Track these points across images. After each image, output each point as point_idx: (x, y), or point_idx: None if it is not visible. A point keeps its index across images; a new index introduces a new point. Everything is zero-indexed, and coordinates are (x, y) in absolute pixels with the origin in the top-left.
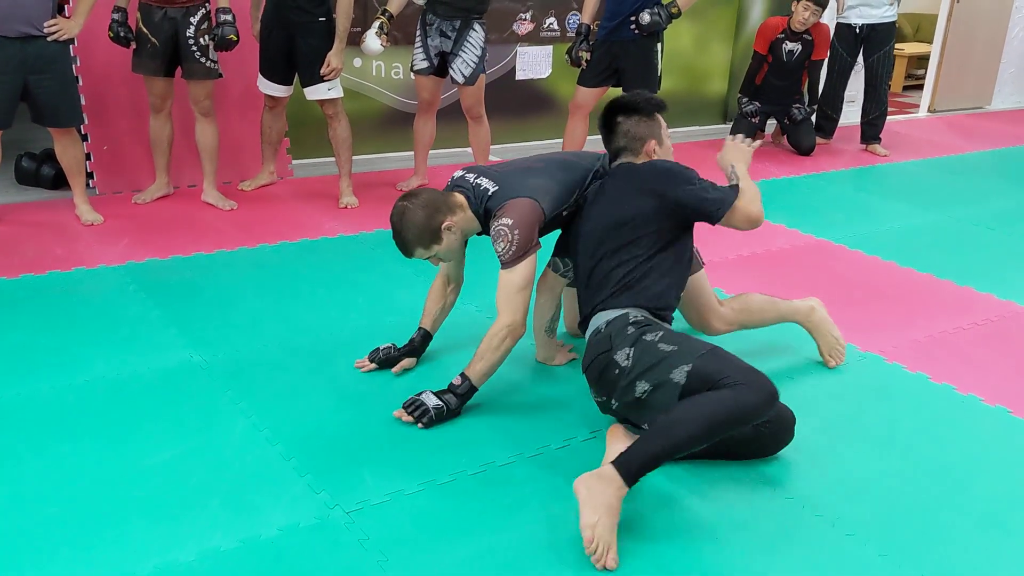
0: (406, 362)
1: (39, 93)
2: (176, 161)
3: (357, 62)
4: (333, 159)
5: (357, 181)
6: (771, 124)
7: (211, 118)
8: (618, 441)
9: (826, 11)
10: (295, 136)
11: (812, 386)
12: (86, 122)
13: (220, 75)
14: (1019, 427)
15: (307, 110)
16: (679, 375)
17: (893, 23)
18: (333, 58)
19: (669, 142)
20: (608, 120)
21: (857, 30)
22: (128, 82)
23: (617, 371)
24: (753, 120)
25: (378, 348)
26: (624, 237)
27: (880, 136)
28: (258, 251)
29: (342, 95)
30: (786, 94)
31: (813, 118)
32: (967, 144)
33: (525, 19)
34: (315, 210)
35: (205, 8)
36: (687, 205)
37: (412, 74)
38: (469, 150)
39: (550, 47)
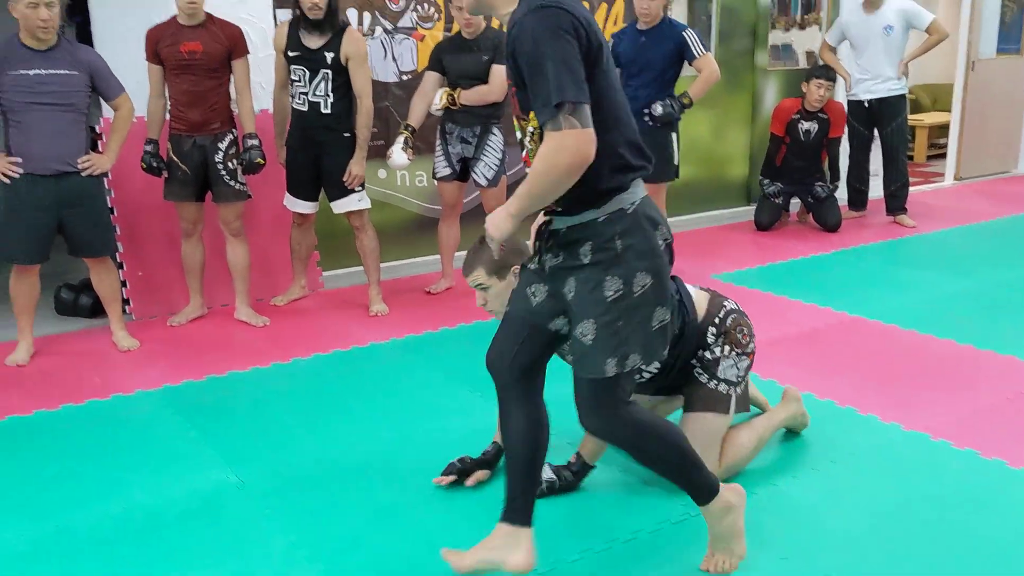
0: (480, 474)
1: (74, 227)
2: (208, 282)
3: (382, 173)
4: (361, 267)
5: (386, 288)
6: (795, 203)
7: (241, 238)
8: None
9: (837, 89)
10: (324, 248)
11: (856, 468)
12: (120, 250)
13: (249, 196)
14: None
15: (334, 222)
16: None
17: (902, 96)
18: (354, 167)
19: None
20: None
21: (867, 104)
22: (160, 209)
23: None
24: (776, 201)
25: (453, 461)
26: None
27: (906, 207)
28: (291, 365)
29: (370, 206)
30: (807, 173)
31: (837, 194)
32: (995, 209)
33: None
34: (346, 320)
35: (232, 134)
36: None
37: (435, 180)
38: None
39: None
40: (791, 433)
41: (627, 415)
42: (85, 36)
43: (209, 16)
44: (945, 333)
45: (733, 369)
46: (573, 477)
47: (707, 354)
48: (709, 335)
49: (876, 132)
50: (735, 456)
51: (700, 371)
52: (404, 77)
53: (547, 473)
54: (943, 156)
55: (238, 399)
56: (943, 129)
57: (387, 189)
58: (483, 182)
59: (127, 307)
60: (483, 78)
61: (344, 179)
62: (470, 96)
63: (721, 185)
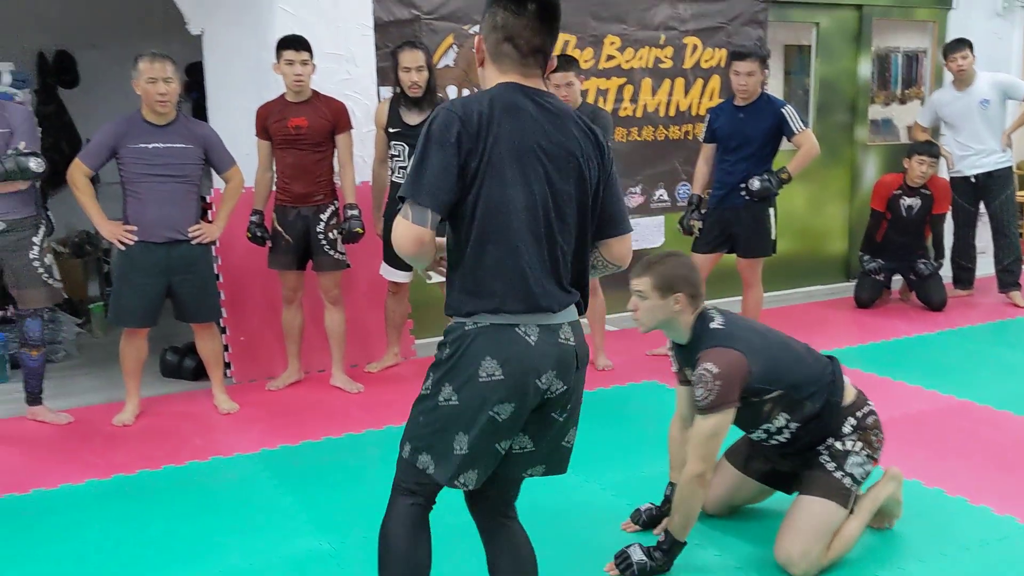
0: (666, 522)
1: (182, 292)
2: (306, 348)
3: None
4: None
5: None
6: (897, 280)
7: (340, 306)
8: None
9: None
10: (417, 317)
11: (967, 562)
12: (224, 316)
13: (348, 265)
14: None
15: (428, 292)
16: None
17: (1010, 168)
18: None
19: (495, 38)
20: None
21: (973, 180)
22: (262, 277)
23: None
24: (877, 278)
25: (639, 509)
26: None
27: (1019, 283)
28: (384, 433)
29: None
30: (909, 250)
31: (941, 272)
32: None
33: (635, 192)
34: None
35: (334, 205)
36: (614, 194)
37: None
38: (583, 320)
39: (661, 217)
40: (880, 528)
41: (392, 505)
42: (200, 111)
43: (315, 93)
44: None
45: (860, 468)
46: (664, 557)
47: (838, 444)
48: (847, 426)
49: (982, 208)
50: (843, 548)
51: (828, 459)
52: None
53: (637, 555)
54: None
55: (332, 465)
56: None
57: None
58: None
59: (228, 370)
60: None
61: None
62: None
63: (819, 260)
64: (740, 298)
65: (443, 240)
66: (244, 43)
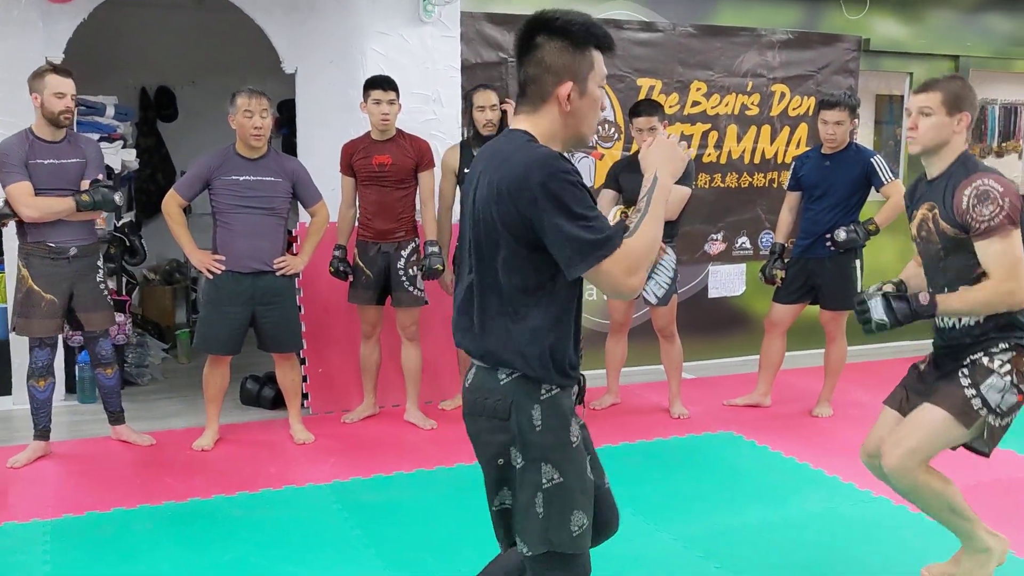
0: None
1: (266, 323)
2: (381, 382)
3: None
4: None
5: None
6: None
7: (416, 343)
8: None
9: None
10: None
11: None
12: (305, 347)
13: (426, 302)
14: None
15: None
16: (519, 544)
17: None
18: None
19: (599, 94)
20: (525, 40)
21: None
22: (343, 311)
23: (502, 462)
24: None
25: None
26: (490, 248)
27: None
28: (455, 471)
29: None
30: None
31: None
32: None
33: (717, 239)
34: None
35: (415, 242)
36: (548, 241)
37: (604, 297)
38: (660, 367)
39: (743, 265)
40: None
41: None
42: (290, 147)
43: (399, 131)
44: None
45: (997, 395)
46: (908, 312)
47: (985, 359)
48: (1001, 343)
49: None
50: (925, 484)
51: (966, 375)
52: None
53: (878, 313)
54: None
55: (403, 501)
56: None
57: None
58: (653, 300)
59: (305, 401)
60: None
61: None
62: None
63: None
64: (822, 351)
65: None
66: (335, 82)
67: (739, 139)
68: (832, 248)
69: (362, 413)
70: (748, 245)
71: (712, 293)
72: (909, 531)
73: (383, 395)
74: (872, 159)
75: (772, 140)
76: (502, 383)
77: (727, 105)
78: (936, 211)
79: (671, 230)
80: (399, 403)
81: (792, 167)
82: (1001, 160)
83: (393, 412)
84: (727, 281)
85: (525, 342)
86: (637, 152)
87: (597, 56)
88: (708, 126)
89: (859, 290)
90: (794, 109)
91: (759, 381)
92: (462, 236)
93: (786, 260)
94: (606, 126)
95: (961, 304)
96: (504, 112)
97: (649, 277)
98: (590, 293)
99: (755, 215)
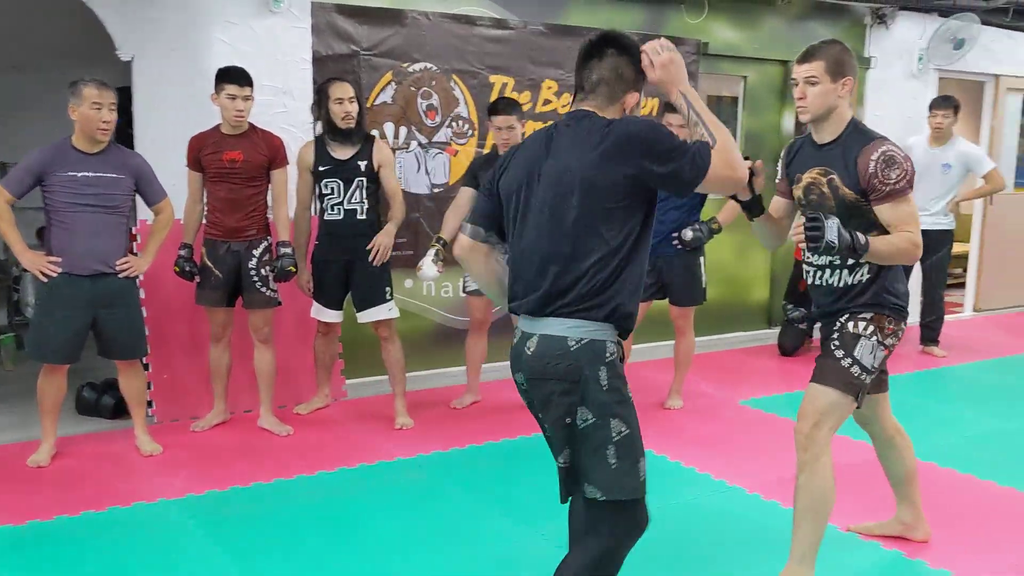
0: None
1: (107, 327)
2: (232, 387)
3: (408, 283)
4: (385, 377)
5: (410, 400)
6: (818, 328)
7: (269, 345)
8: None
9: None
10: (347, 357)
11: None
12: (148, 352)
13: (279, 303)
14: None
15: (358, 331)
16: (588, 491)
17: (948, 231)
18: (383, 237)
19: (639, 113)
20: (598, 47)
21: None
22: (189, 313)
23: (585, 423)
24: (800, 326)
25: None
26: (597, 212)
27: (938, 339)
28: (317, 479)
29: (398, 315)
30: None
31: None
32: (1019, 343)
33: None
34: (371, 432)
35: (267, 241)
36: (668, 176)
37: (465, 295)
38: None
39: None
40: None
41: None
42: (124, 138)
43: (252, 126)
44: (985, 474)
45: (870, 356)
46: (850, 246)
47: (850, 325)
48: (865, 312)
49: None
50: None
51: (837, 345)
52: (436, 190)
53: (832, 233)
54: (955, 287)
55: (263, 513)
56: (957, 260)
57: (412, 299)
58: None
59: (150, 409)
60: None
61: (370, 248)
62: None
63: (743, 308)
64: (671, 343)
65: None
66: (177, 72)
67: None
68: (679, 247)
69: (212, 420)
70: None
71: None
72: (766, 518)
73: (234, 401)
74: None
75: None
76: (572, 349)
77: None
78: (834, 176)
79: None
80: (251, 408)
81: None
82: None
83: (245, 418)
84: None
85: (601, 301)
86: (495, 149)
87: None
88: None
89: (703, 286)
90: (642, 110)
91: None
92: (507, 205)
93: None
94: (460, 122)
95: (886, 247)
96: (361, 104)
97: None
98: (445, 289)
99: None
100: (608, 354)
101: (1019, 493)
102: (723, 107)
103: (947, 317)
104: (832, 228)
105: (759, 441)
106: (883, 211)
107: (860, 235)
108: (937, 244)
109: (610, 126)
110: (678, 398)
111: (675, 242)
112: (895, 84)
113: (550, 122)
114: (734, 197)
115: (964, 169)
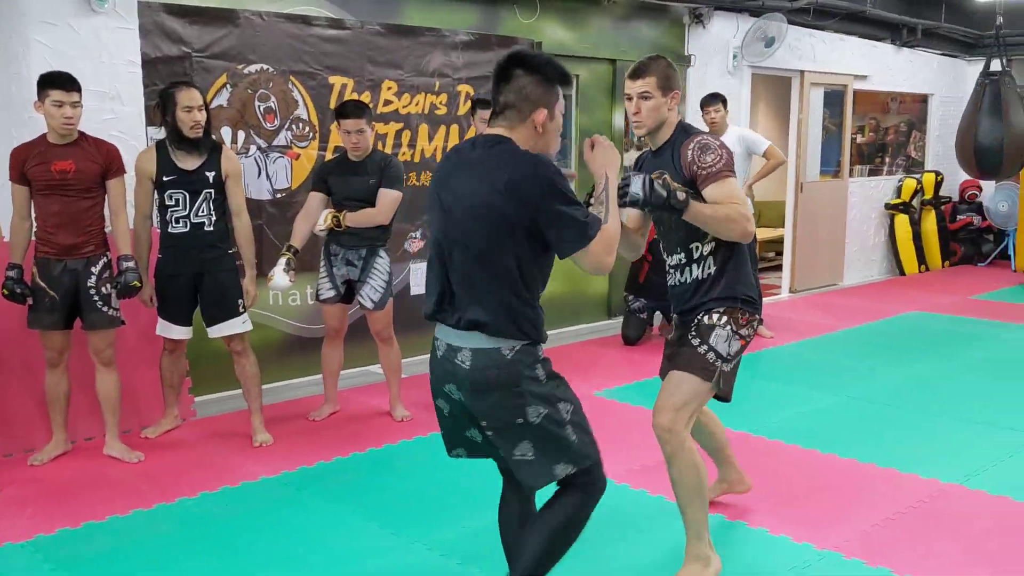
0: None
1: None
2: (72, 414)
3: None
4: (235, 392)
5: (265, 415)
6: (658, 316)
7: (112, 367)
8: None
9: None
10: (196, 375)
11: None
12: None
13: (123, 322)
14: None
15: (204, 346)
16: (560, 471)
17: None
18: (250, 286)
19: (560, 121)
20: (505, 70)
21: None
22: (19, 338)
23: (521, 421)
24: (642, 316)
25: None
26: (500, 230)
27: (762, 318)
28: (178, 506)
29: (251, 328)
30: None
31: None
32: (834, 321)
33: (416, 237)
34: (229, 452)
35: (106, 257)
36: (550, 227)
37: (319, 302)
38: (374, 368)
39: None
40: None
41: None
42: None
43: (82, 134)
44: (827, 448)
45: (724, 344)
46: (668, 198)
47: (705, 318)
48: (718, 307)
49: None
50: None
51: (694, 334)
52: (278, 195)
53: (637, 184)
54: (771, 269)
55: (124, 548)
56: (770, 243)
57: (258, 309)
58: (369, 305)
59: None
60: (370, 200)
61: (245, 302)
62: (356, 219)
63: (583, 300)
64: None
65: None
66: None
67: (431, 138)
68: None
69: (52, 452)
70: None
71: (414, 291)
72: (637, 507)
73: (74, 429)
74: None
75: (461, 138)
76: (508, 358)
77: (417, 104)
78: (666, 176)
79: (384, 234)
80: (93, 436)
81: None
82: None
83: (88, 447)
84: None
85: (525, 313)
86: (345, 154)
87: (559, 91)
88: (401, 125)
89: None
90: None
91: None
92: (436, 227)
93: None
94: (300, 125)
95: (710, 210)
96: (208, 112)
97: (364, 282)
98: (293, 298)
99: None
100: (539, 353)
101: (860, 464)
102: None
103: (766, 299)
104: (637, 182)
105: (620, 430)
106: (710, 194)
107: (680, 192)
108: None
109: (514, 168)
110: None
111: None
112: (713, 81)
113: (392, 124)
114: None
115: (746, 152)
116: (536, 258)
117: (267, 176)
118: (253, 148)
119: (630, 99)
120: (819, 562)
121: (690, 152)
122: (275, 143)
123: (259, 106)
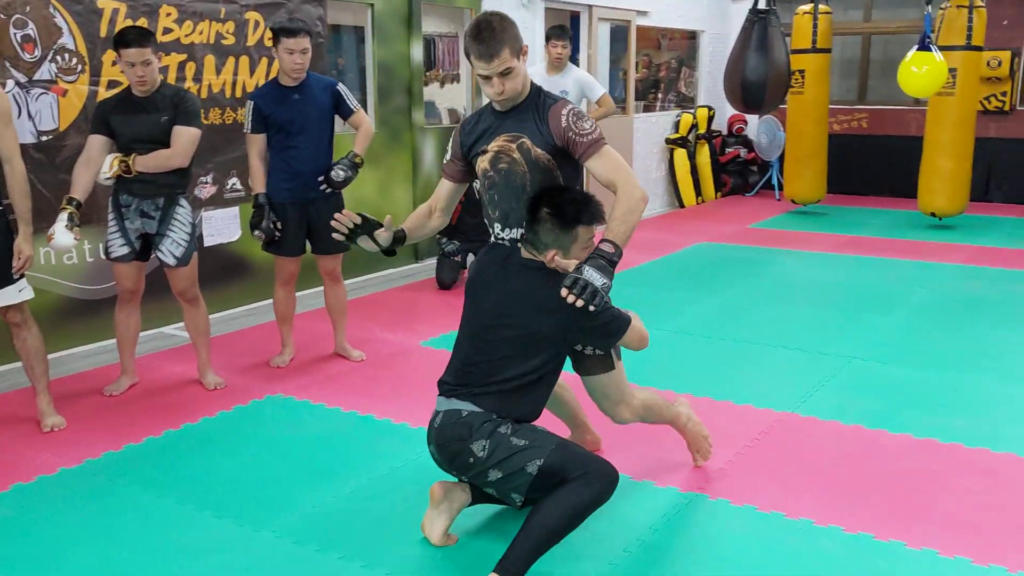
0: (383, 235)
1: None
2: None
3: None
4: (13, 366)
5: (52, 392)
6: (471, 259)
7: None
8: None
9: None
10: None
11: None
12: None
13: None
14: (851, 543)
15: None
16: (532, 468)
17: None
18: (24, 246)
19: (581, 253)
20: (535, 205)
21: None
22: None
23: (472, 459)
24: (456, 259)
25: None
26: (526, 347)
27: None
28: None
29: (32, 296)
30: (482, 229)
31: None
32: (634, 255)
33: (207, 182)
34: (13, 442)
35: None
36: (590, 335)
37: (109, 261)
38: (169, 329)
39: (236, 208)
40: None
41: None
42: None
43: None
44: (663, 384)
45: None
46: (612, 269)
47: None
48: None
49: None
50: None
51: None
52: (44, 138)
53: (592, 275)
54: None
55: None
56: None
57: (29, 272)
58: (171, 261)
59: None
60: (163, 141)
61: (14, 265)
62: (148, 162)
63: None
64: (309, 291)
65: None
66: None
67: (218, 71)
68: (325, 189)
69: None
70: (239, 186)
71: (208, 241)
72: None
73: None
74: (337, 87)
75: (252, 72)
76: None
77: (201, 33)
78: (525, 139)
79: (183, 179)
80: None
81: (251, 107)
82: (443, 90)
83: None
84: (222, 227)
85: None
86: (128, 90)
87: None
88: (184, 56)
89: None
90: (269, 39)
91: (283, 336)
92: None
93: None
94: (66, 56)
95: (624, 226)
96: None
97: (163, 236)
98: (70, 256)
99: (243, 153)
100: None
101: (697, 398)
102: (347, 37)
103: None
104: (595, 276)
105: None
106: (594, 168)
107: (605, 248)
108: None
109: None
110: (354, 349)
111: (323, 186)
112: (509, 15)
113: (174, 55)
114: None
115: (580, 95)
116: None
117: (29, 116)
118: (11, 83)
119: (488, 79)
120: (687, 505)
121: (564, 118)
122: (37, 77)
123: (15, 34)
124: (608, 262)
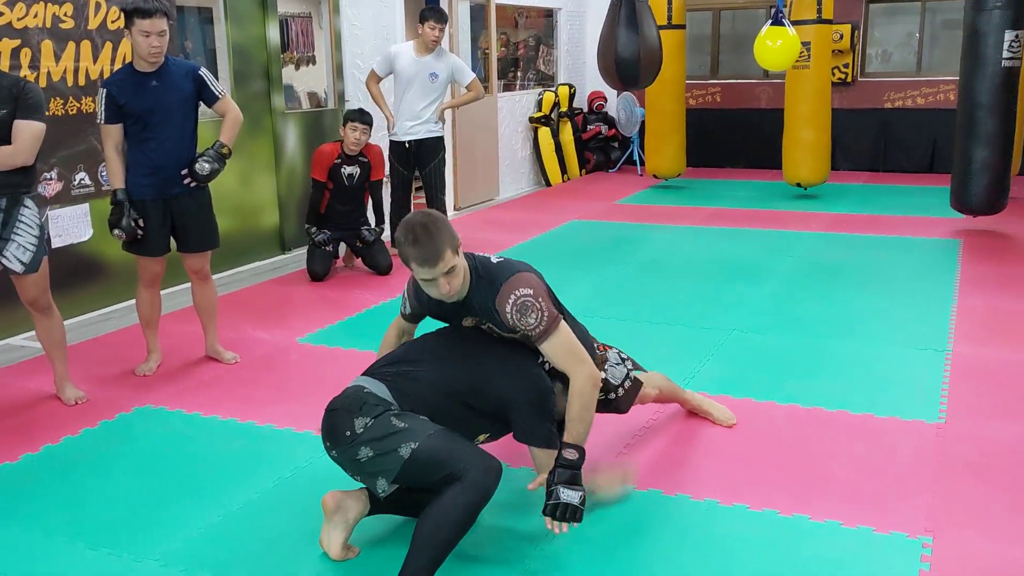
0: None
1: None
2: None
3: None
4: None
5: None
6: (340, 248)
7: None
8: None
9: (382, 132)
10: None
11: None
12: None
13: None
14: (757, 521)
15: None
16: (405, 450)
17: (440, 138)
18: None
19: (547, 460)
20: (503, 397)
21: (407, 145)
22: None
23: (348, 432)
24: (327, 249)
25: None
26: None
27: None
28: None
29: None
30: (352, 217)
31: (384, 236)
32: (508, 236)
33: (52, 178)
34: None
35: None
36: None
37: None
38: (16, 340)
39: (86, 205)
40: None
41: None
42: None
43: None
44: None
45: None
46: (579, 474)
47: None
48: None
49: (417, 172)
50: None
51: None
52: None
53: (567, 495)
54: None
55: None
56: None
57: None
58: (18, 268)
59: None
60: (3, 137)
61: None
62: None
63: (254, 236)
64: (171, 290)
65: None
66: None
67: (57, 58)
68: (190, 183)
69: None
70: (88, 181)
71: (56, 242)
72: None
73: None
74: (199, 71)
75: (95, 58)
76: None
77: (36, 16)
78: (490, 324)
79: (27, 177)
80: None
81: (103, 95)
82: (298, 72)
83: None
84: (71, 226)
85: None
86: None
87: None
88: (18, 42)
89: (216, 224)
90: (113, 22)
91: (148, 341)
92: None
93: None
94: None
95: (582, 425)
96: None
97: (8, 240)
98: None
99: (90, 146)
100: None
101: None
102: (192, 19)
103: None
104: (569, 494)
105: (342, 378)
106: (546, 353)
107: (569, 456)
108: (432, 152)
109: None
110: (226, 351)
111: (187, 180)
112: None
113: (6, 40)
114: None
115: (449, 77)
116: None
117: None
118: None
119: (430, 281)
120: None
121: (509, 317)
122: None
123: None
124: (576, 470)
